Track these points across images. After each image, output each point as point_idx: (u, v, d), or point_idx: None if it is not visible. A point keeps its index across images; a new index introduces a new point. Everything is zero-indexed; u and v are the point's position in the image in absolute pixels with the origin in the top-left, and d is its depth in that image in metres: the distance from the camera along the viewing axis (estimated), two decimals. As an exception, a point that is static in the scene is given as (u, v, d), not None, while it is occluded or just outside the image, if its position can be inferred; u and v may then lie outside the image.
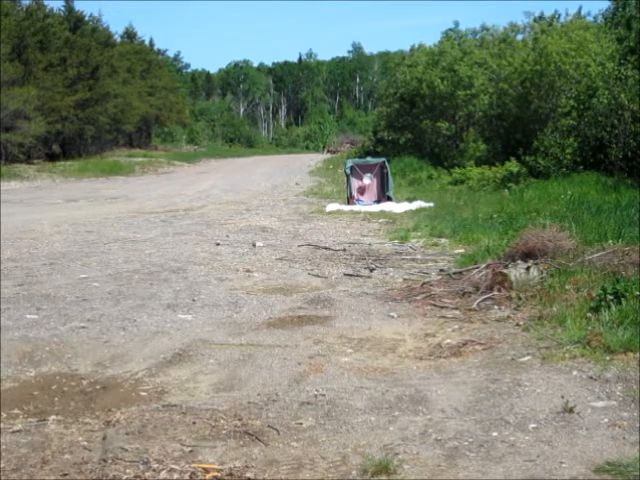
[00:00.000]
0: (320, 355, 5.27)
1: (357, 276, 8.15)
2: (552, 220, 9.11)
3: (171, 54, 77.95)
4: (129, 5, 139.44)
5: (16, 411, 4.30)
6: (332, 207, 15.58)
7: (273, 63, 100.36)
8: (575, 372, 4.67)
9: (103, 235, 11.74)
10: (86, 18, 44.53)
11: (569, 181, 16.22)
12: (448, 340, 5.54)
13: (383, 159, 17.34)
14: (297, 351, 5.38)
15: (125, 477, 3.45)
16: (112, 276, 8.29)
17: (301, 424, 4.04)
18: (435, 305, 6.59)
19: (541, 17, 27.68)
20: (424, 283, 7.45)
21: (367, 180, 16.57)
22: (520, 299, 6.41)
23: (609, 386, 4.42)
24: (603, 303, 5.63)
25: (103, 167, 33.49)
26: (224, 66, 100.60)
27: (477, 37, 30.83)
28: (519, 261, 7.02)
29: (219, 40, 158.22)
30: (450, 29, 31.75)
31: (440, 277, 7.76)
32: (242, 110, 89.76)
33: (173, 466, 3.54)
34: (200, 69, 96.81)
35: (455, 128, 26.87)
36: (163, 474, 3.47)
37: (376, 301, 6.91)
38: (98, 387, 4.72)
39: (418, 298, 6.85)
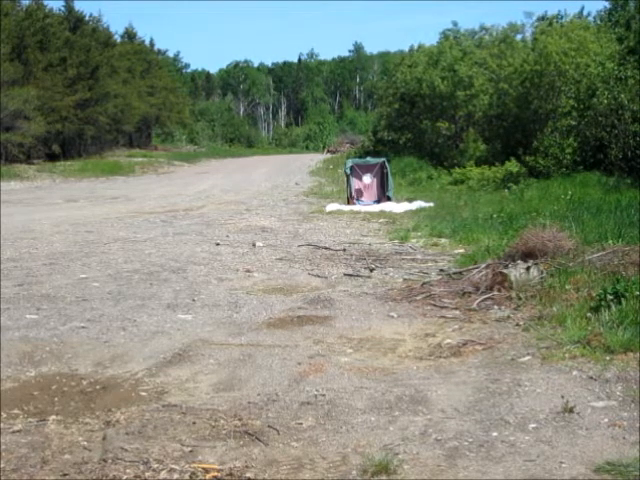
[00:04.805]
0: (320, 355, 5.27)
1: (357, 276, 8.15)
2: (552, 220, 9.11)
3: (171, 54, 77.86)
4: (129, 5, 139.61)
5: (16, 411, 4.29)
6: (332, 207, 15.58)
7: (273, 63, 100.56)
8: (575, 372, 4.67)
9: (103, 235, 11.74)
10: (86, 18, 44.55)
11: (569, 181, 16.24)
12: (448, 340, 5.54)
13: (383, 159, 17.35)
14: (297, 351, 5.38)
15: (125, 477, 3.45)
16: (112, 276, 8.29)
17: (301, 424, 4.04)
18: (435, 305, 6.59)
19: (543, 17, 27.71)
20: (424, 283, 7.44)
21: (367, 180, 16.58)
22: (520, 299, 6.41)
23: (609, 386, 4.41)
24: (603, 303, 5.63)
25: (103, 167, 33.49)
26: (224, 66, 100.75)
27: (475, 37, 30.83)
28: (519, 261, 7.02)
29: (219, 40, 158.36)
30: (448, 29, 31.78)
31: (440, 277, 7.75)
32: (242, 110, 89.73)
33: (173, 466, 3.54)
34: (200, 69, 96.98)
35: (455, 128, 26.89)
36: (163, 474, 3.47)
37: (376, 301, 6.90)
38: (98, 387, 4.72)
39: (418, 298, 6.85)
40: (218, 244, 10.62)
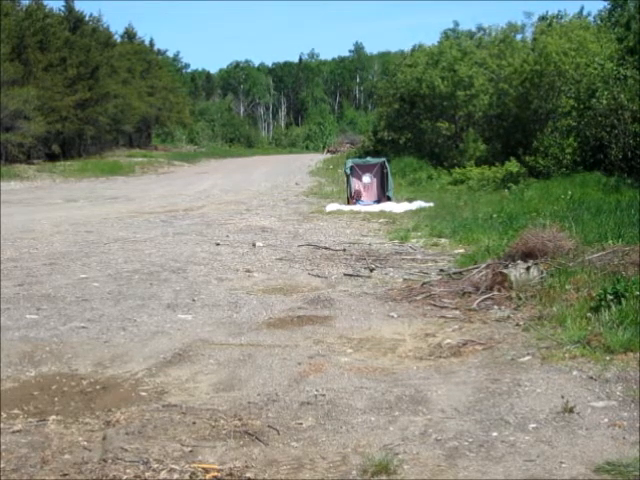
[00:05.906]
0: (320, 355, 5.27)
1: (357, 276, 8.15)
2: (552, 220, 9.11)
3: (171, 54, 77.84)
4: (129, 5, 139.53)
5: (16, 411, 4.29)
6: (332, 207, 15.58)
7: (273, 63, 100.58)
8: (575, 372, 4.67)
9: (103, 235, 11.74)
10: (86, 18, 44.57)
11: (569, 181, 16.24)
12: (448, 340, 5.54)
13: (383, 159, 17.36)
14: (297, 351, 5.38)
15: (125, 477, 3.45)
16: (112, 276, 8.29)
17: (301, 424, 4.04)
18: (435, 305, 6.59)
19: (543, 17, 27.73)
20: (424, 283, 7.44)
21: (367, 180, 16.58)
22: (520, 299, 6.41)
23: (609, 386, 4.41)
24: (603, 303, 5.63)
25: (103, 167, 33.50)
26: (224, 66, 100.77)
27: (474, 38, 30.83)
28: (519, 261, 7.02)
29: (219, 40, 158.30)
30: (449, 29, 31.81)
31: (440, 277, 7.76)
32: (242, 110, 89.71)
33: (173, 466, 3.54)
34: (200, 69, 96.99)
35: (455, 128, 26.88)
36: (163, 474, 3.47)
37: (376, 301, 6.90)
38: (98, 387, 4.72)
39: (418, 298, 6.85)
40: (218, 244, 10.62)
